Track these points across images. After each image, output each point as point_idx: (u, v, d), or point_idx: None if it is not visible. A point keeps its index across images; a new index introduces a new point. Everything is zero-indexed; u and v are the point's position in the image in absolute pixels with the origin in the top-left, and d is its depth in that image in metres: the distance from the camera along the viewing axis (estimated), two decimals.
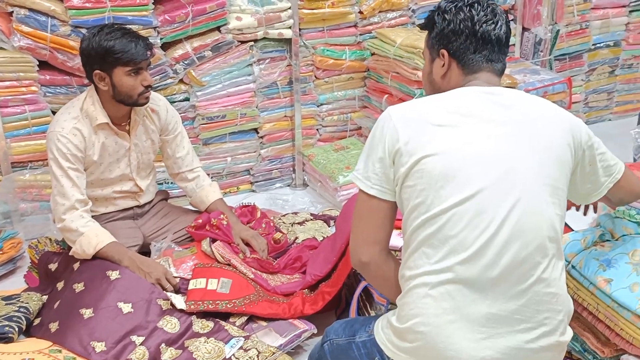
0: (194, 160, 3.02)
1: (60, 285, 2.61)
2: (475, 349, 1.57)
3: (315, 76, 3.76)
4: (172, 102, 3.10)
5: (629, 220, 2.16)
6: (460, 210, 1.56)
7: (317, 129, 3.89)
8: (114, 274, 2.50)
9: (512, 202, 1.56)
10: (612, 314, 1.98)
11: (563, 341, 1.65)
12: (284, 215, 3.28)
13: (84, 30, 2.96)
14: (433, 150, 1.58)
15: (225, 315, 2.50)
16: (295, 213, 3.33)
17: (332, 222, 3.29)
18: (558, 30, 4.26)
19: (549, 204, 1.60)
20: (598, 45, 4.48)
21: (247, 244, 2.82)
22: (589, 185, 1.80)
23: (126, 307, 2.42)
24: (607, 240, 2.15)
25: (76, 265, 2.61)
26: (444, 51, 1.75)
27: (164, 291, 2.53)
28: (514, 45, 4.24)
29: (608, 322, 2.00)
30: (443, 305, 1.58)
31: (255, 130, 3.70)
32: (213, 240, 2.80)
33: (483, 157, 1.58)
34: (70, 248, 2.67)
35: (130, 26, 2.84)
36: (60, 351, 2.30)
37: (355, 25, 3.74)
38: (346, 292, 2.64)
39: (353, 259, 1.75)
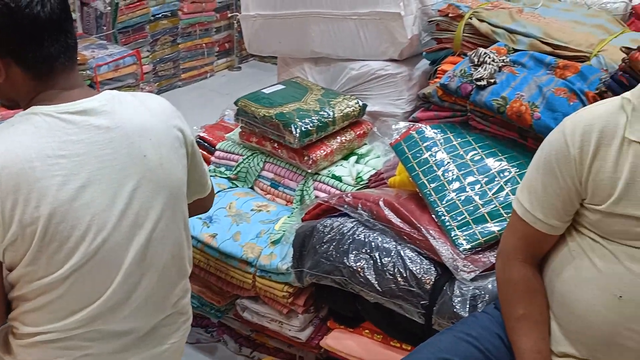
0: None
1: None
2: None
3: None
4: None
5: (221, 177, 2.34)
6: (84, 270, 1.39)
7: None
8: None
9: (138, 244, 1.43)
10: (222, 265, 2.12)
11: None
12: None
13: None
14: (37, 213, 1.31)
15: None
16: None
17: None
18: (117, 3, 4.29)
19: (176, 228, 1.51)
20: (157, 15, 4.65)
21: None
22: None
23: None
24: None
25: None
26: None
27: None
28: (75, 21, 4.13)
29: (219, 273, 2.15)
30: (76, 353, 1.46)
31: None
32: None
33: (93, 206, 1.36)
34: None
35: None
36: None
37: None
38: None
39: None
